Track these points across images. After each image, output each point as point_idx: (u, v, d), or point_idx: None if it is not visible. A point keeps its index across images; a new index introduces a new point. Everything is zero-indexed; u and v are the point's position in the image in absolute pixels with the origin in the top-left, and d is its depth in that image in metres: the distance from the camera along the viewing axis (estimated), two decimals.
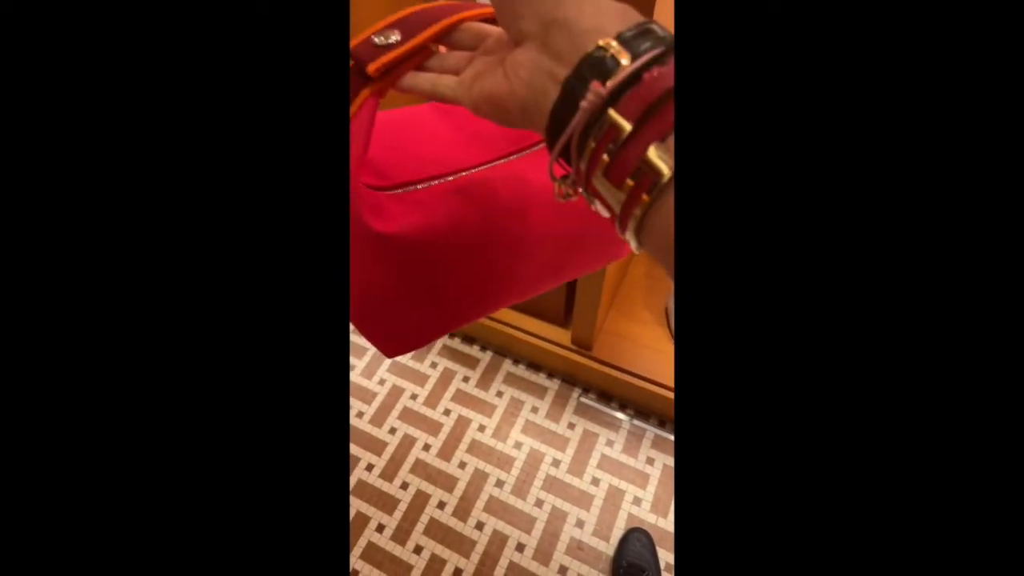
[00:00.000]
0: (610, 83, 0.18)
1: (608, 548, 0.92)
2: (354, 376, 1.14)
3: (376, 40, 0.26)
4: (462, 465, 1.01)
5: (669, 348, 1.01)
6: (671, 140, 0.17)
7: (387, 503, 0.97)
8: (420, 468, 1.01)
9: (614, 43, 0.18)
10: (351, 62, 0.26)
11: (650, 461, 1.01)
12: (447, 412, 1.08)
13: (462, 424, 1.07)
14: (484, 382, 1.12)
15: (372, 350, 1.18)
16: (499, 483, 0.99)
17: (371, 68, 0.25)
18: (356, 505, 0.97)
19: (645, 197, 0.18)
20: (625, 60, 0.18)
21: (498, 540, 0.93)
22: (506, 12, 0.21)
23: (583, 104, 0.18)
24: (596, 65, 0.18)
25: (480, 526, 0.95)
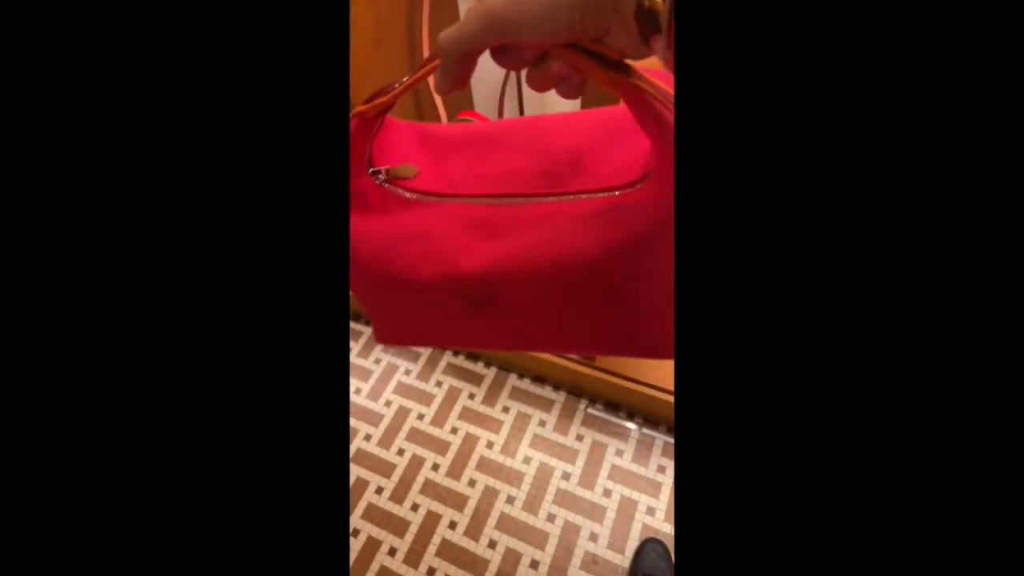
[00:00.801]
0: (661, 38, 0.19)
1: (623, 560, 0.90)
2: (360, 399, 1.14)
3: None
4: (472, 483, 1.01)
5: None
6: None
7: (398, 526, 0.97)
8: (430, 488, 1.01)
9: None
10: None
11: (661, 469, 1.00)
12: (454, 430, 1.08)
13: (470, 442, 1.06)
14: (490, 398, 1.12)
15: (377, 372, 1.18)
16: (510, 499, 0.98)
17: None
18: (367, 529, 0.97)
19: None
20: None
21: (512, 558, 0.92)
22: (593, 25, 0.21)
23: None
24: (645, 18, 0.20)
25: (493, 544, 0.94)
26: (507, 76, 0.80)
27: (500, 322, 0.31)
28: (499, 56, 0.24)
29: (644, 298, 0.29)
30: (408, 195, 0.32)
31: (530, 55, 0.23)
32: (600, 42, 0.22)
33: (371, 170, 0.32)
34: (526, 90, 0.82)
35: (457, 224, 0.31)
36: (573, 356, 1.03)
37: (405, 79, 0.28)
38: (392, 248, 0.30)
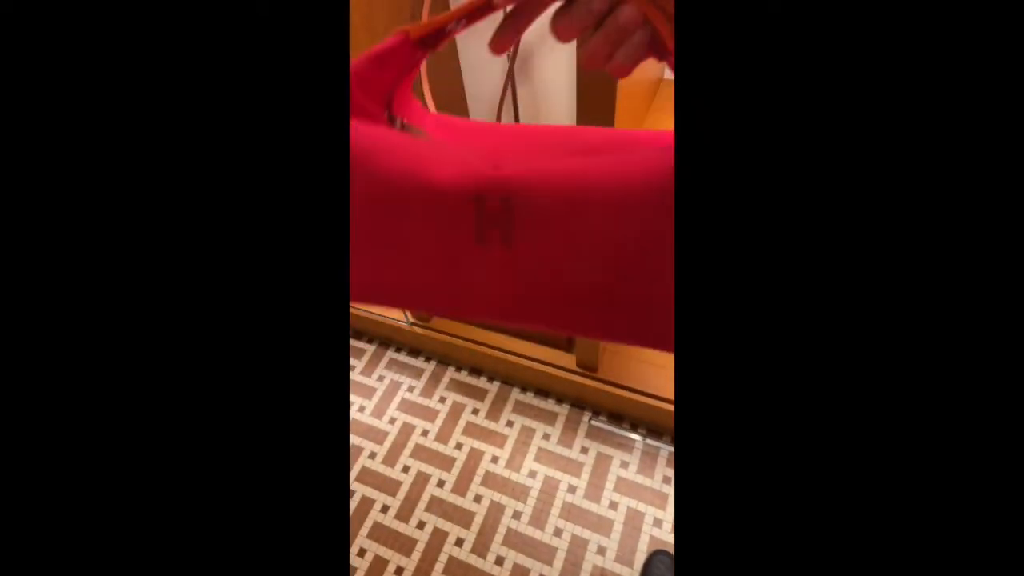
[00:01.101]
0: None
1: (632, 573, 0.90)
2: (364, 417, 1.14)
3: None
4: (477, 499, 1.00)
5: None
6: None
7: (404, 544, 0.96)
8: (436, 505, 1.00)
9: None
10: None
11: (667, 480, 0.99)
12: (459, 446, 1.08)
13: (475, 457, 1.06)
14: (494, 413, 1.12)
15: (380, 389, 1.18)
16: (516, 514, 0.98)
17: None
18: (373, 549, 0.96)
19: None
20: None
21: (519, 574, 0.91)
22: None
23: None
24: None
25: (500, 561, 0.93)
26: (504, 93, 0.81)
27: (509, 257, 0.26)
28: (564, 15, 0.23)
29: (668, 271, 0.24)
30: None
31: (599, 4, 0.23)
32: None
33: (388, 114, 0.29)
34: (523, 107, 0.83)
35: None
36: (576, 367, 1.03)
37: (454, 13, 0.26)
38: (408, 148, 0.26)
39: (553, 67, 0.86)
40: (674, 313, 0.24)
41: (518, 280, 0.26)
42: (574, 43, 0.53)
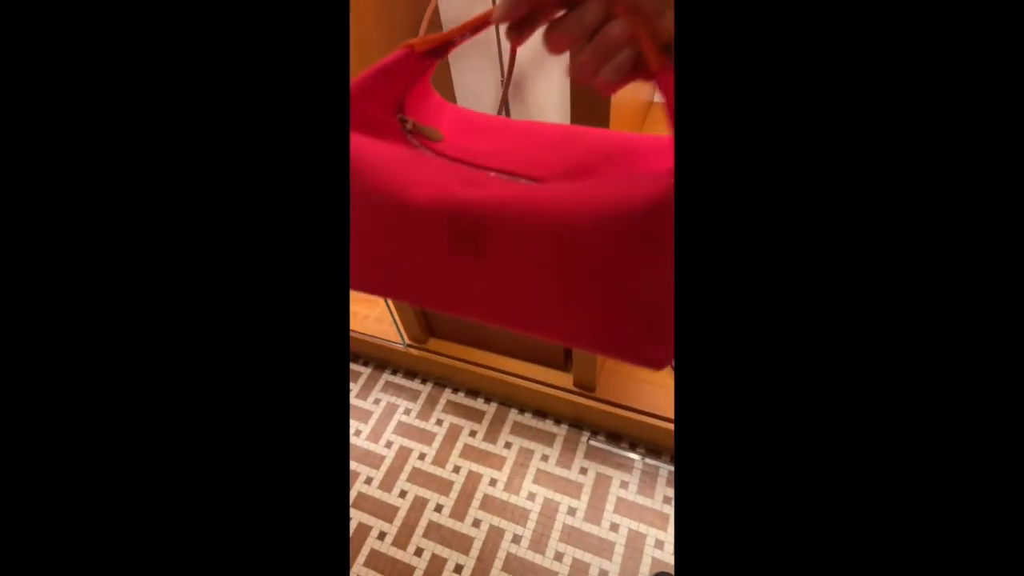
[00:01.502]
0: None
1: None
2: (360, 441, 1.13)
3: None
4: (476, 523, 0.99)
5: (672, 382, 1.01)
6: None
7: (402, 572, 0.94)
8: (434, 531, 0.99)
9: None
10: None
11: (667, 500, 0.98)
12: (457, 469, 1.06)
13: (473, 480, 1.05)
14: (491, 434, 1.11)
15: (377, 413, 1.17)
16: (516, 539, 0.96)
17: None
18: None
19: None
20: None
21: None
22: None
23: None
24: None
25: None
26: (500, 109, 0.83)
27: (480, 268, 0.29)
28: (557, 26, 0.24)
29: (634, 294, 0.27)
30: (427, 152, 0.32)
31: (591, 17, 0.23)
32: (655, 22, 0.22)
33: (399, 115, 0.32)
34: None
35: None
36: (573, 387, 1.03)
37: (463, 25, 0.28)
38: (392, 167, 0.29)
39: (546, 92, 0.88)
40: (671, 328, 0.27)
41: (488, 287, 0.30)
42: (567, 68, 0.55)
